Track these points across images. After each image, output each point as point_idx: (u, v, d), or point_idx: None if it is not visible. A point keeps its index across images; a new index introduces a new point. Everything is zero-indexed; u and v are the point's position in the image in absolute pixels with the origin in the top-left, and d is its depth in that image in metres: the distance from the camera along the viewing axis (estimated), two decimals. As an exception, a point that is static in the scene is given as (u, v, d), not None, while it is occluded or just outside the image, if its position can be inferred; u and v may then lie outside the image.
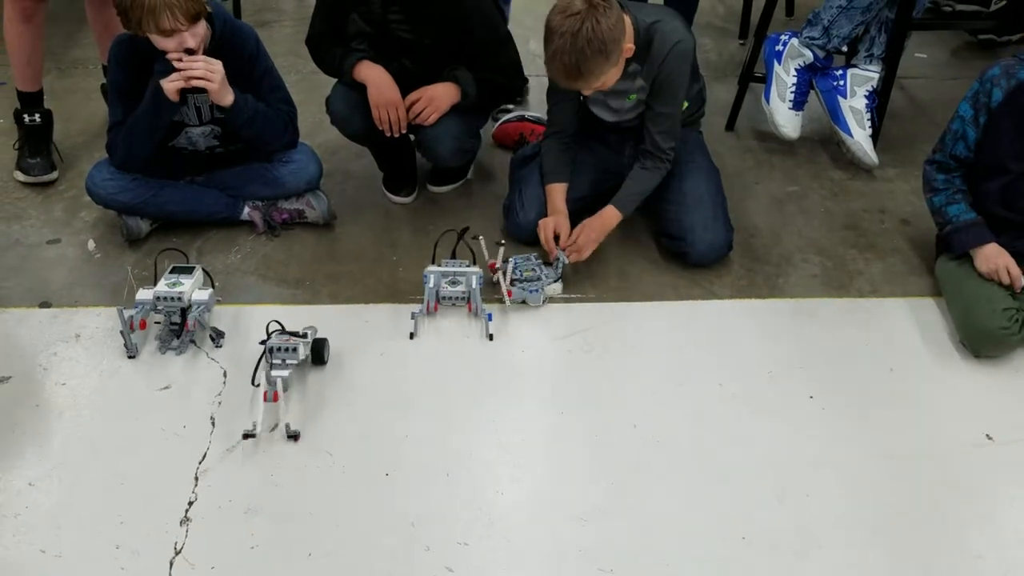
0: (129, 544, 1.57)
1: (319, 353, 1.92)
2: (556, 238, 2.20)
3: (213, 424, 1.81)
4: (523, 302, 2.13)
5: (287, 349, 1.83)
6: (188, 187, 2.33)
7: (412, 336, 2.04)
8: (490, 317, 2.06)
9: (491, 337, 2.04)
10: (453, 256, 2.16)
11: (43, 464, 1.72)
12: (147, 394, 1.88)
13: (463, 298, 2.09)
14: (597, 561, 1.57)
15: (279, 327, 1.87)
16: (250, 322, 2.07)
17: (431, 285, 2.07)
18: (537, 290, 2.12)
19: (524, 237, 2.32)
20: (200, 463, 1.73)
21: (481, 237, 2.20)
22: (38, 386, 1.89)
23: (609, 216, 2.21)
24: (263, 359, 1.85)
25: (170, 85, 2.04)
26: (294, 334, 1.86)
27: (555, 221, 2.21)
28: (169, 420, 1.81)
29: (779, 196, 2.61)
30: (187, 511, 1.63)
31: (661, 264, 2.30)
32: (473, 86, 2.23)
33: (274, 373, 1.79)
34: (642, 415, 1.86)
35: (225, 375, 1.93)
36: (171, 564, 1.54)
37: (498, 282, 2.11)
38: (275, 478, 1.70)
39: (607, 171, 2.35)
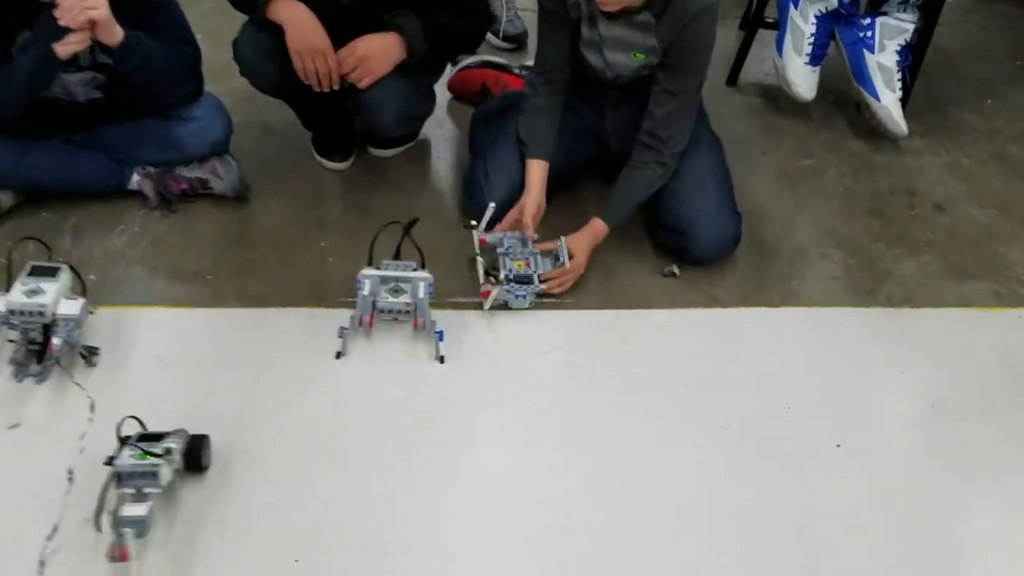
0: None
1: (195, 459, 1.37)
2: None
3: (71, 479, 1.38)
4: (504, 304, 1.70)
5: (144, 474, 1.28)
6: (62, 149, 1.83)
7: (339, 356, 1.61)
8: (440, 336, 1.63)
9: (442, 360, 1.62)
10: (397, 256, 1.70)
11: None
12: (-6, 434, 1.43)
13: (407, 312, 1.65)
14: None
15: (139, 426, 1.35)
16: (134, 331, 1.62)
17: (366, 293, 1.62)
18: (525, 295, 1.70)
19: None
20: (49, 540, 1.30)
21: (480, 258, 1.75)
22: None
23: (597, 231, 1.79)
24: (108, 488, 1.29)
25: (64, 50, 1.60)
26: (156, 439, 1.32)
27: (525, 206, 1.77)
28: (14, 474, 1.38)
29: (791, 171, 2.19)
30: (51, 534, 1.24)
31: (653, 261, 1.88)
32: (422, 40, 1.74)
33: (125, 512, 1.25)
34: (630, 467, 1.47)
35: (93, 408, 1.49)
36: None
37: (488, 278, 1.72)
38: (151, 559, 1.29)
39: (587, 134, 1.91)
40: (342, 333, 1.60)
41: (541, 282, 1.72)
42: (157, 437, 1.33)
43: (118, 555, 1.21)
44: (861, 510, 1.43)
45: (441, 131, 2.20)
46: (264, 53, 1.75)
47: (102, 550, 1.24)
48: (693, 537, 1.38)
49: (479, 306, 1.73)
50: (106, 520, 1.25)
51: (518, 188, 1.82)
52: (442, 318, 1.66)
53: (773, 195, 2.10)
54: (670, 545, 1.36)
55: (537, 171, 1.79)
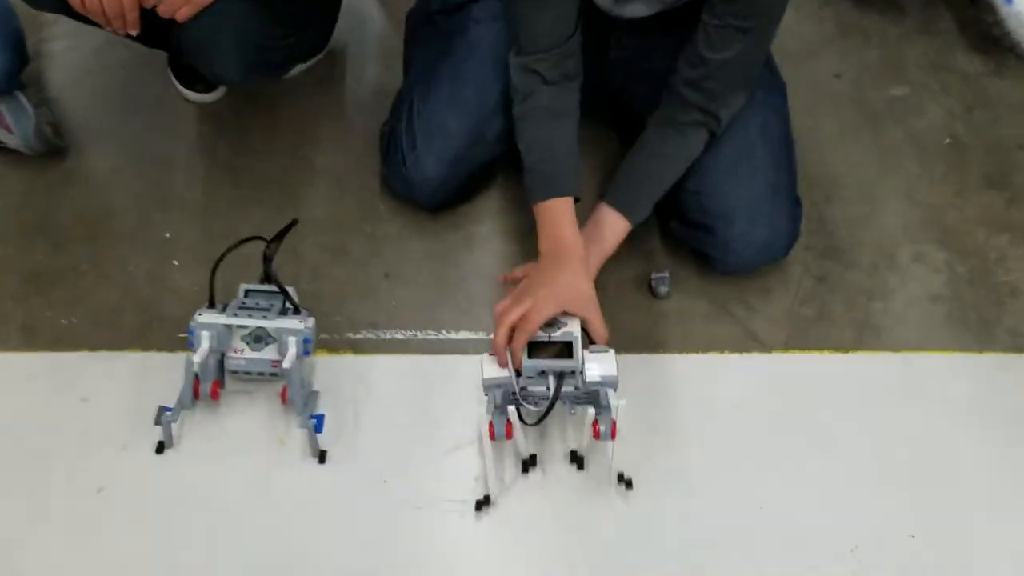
0: None
1: None
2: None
3: None
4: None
5: None
6: None
7: (161, 450, 1.04)
8: (319, 425, 1.05)
9: (322, 457, 1.05)
10: (265, 280, 1.09)
11: None
12: None
13: (272, 375, 1.06)
14: None
15: None
16: None
17: (203, 349, 1.02)
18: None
19: (416, 197, 1.24)
20: None
21: (485, 360, 1.03)
22: None
23: (607, 240, 1.13)
24: None
25: None
26: None
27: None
28: None
29: (875, 105, 1.50)
30: None
31: (662, 265, 1.25)
32: None
33: None
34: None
35: None
36: None
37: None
38: None
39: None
40: (162, 418, 1.02)
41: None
42: None
43: None
44: None
45: (366, 34, 1.51)
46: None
47: None
48: None
49: (390, 346, 1.15)
50: None
51: (461, 161, 1.18)
52: (329, 367, 1.08)
53: (848, 148, 1.43)
54: None
55: (563, 217, 1.08)
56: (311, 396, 1.07)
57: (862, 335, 1.21)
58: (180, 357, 1.06)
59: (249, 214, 1.25)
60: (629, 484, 1.03)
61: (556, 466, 1.06)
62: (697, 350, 1.18)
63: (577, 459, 1.05)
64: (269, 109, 1.38)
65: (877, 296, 1.25)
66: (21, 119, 1.22)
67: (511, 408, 0.99)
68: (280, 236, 1.08)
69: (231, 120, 1.36)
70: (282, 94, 1.39)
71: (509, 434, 0.99)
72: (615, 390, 0.98)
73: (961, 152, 1.44)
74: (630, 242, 1.16)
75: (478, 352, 1.14)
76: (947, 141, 1.45)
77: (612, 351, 1.00)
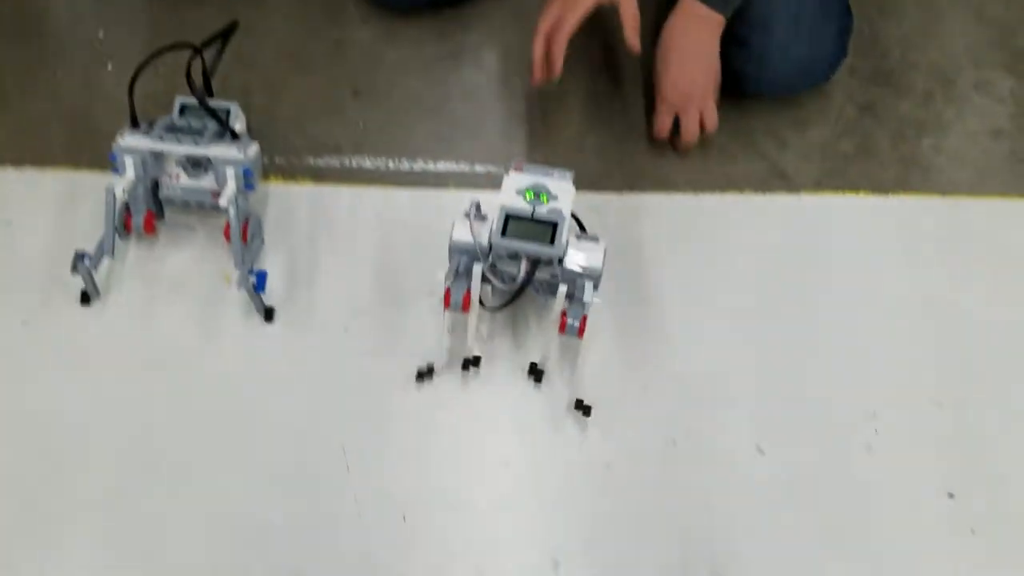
0: None
1: None
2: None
3: None
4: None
5: None
6: None
7: (86, 299, 0.91)
8: (262, 281, 0.91)
9: (268, 315, 0.92)
10: (206, 93, 0.92)
11: None
12: None
13: (214, 207, 0.91)
14: None
15: None
16: None
17: (128, 177, 0.87)
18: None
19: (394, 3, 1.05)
20: None
21: (458, 220, 0.85)
22: None
23: (701, 23, 0.95)
24: None
25: None
26: None
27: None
28: None
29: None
30: None
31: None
32: None
33: None
34: (563, 551, 0.84)
35: None
36: None
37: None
38: None
39: None
40: (81, 262, 0.88)
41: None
42: None
43: None
44: None
45: None
46: None
47: None
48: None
49: (358, 177, 1.00)
50: None
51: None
52: (289, 199, 0.94)
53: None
54: None
55: None
56: (256, 244, 0.93)
57: (908, 175, 1.04)
58: (106, 177, 0.91)
59: (197, 15, 1.07)
60: (587, 411, 0.88)
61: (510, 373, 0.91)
62: (714, 190, 1.02)
63: (536, 372, 0.90)
64: None
65: (929, 130, 1.07)
66: None
67: (476, 279, 0.84)
68: (214, 41, 0.90)
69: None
70: None
71: (466, 306, 0.85)
72: (596, 287, 0.84)
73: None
74: (642, 51, 0.97)
75: (459, 187, 1.00)
76: (1031, -54, 1.22)
77: (603, 243, 0.85)
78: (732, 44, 0.98)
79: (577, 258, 0.83)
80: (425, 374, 0.88)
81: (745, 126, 1.05)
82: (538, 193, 0.84)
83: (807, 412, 0.90)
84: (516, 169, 0.86)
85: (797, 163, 1.04)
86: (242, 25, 1.04)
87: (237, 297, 0.92)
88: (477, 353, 0.89)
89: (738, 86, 1.01)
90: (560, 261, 0.82)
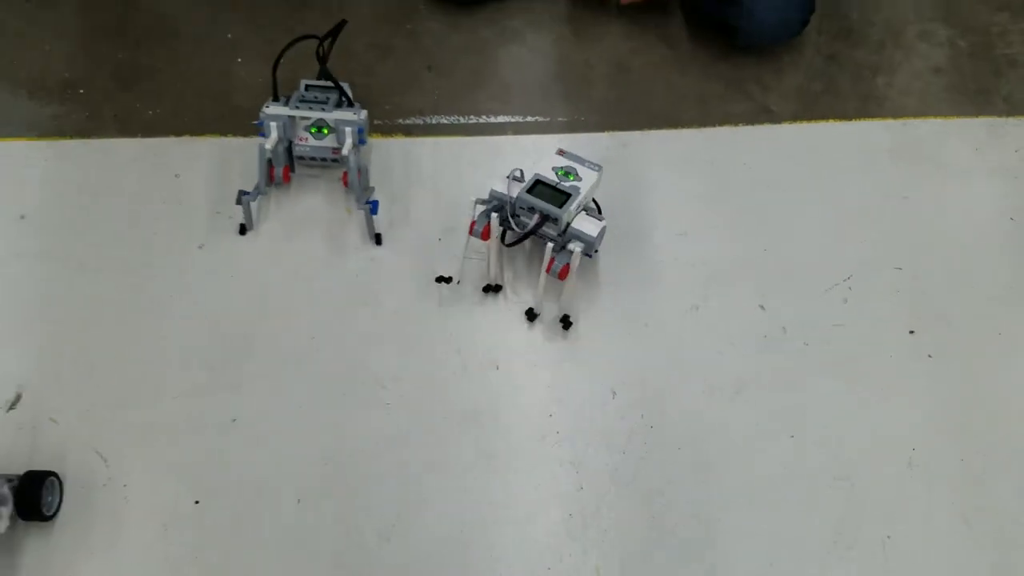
0: None
1: (33, 505, 0.99)
2: None
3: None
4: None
5: None
6: None
7: (243, 231, 1.20)
8: (375, 208, 1.20)
9: (378, 239, 1.20)
10: (322, 77, 1.22)
11: None
12: None
13: (334, 161, 1.21)
14: None
15: None
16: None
17: (271, 143, 1.17)
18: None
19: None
20: None
21: (500, 178, 1.12)
22: None
23: None
24: None
25: None
26: None
27: None
28: None
29: None
30: None
31: (684, 50, 1.36)
32: None
33: None
34: (625, 377, 1.11)
35: (-67, 293, 1.14)
36: None
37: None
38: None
39: None
40: (243, 199, 1.18)
41: None
42: None
43: None
44: (928, 431, 1.09)
45: None
46: None
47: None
48: (713, 459, 1.06)
49: (436, 130, 1.29)
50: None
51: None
52: (387, 150, 1.23)
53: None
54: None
55: None
56: (365, 191, 1.21)
57: (866, 106, 1.33)
58: (253, 141, 1.22)
59: (303, 17, 1.37)
60: (567, 324, 1.13)
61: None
62: (714, 125, 1.31)
63: (531, 315, 1.15)
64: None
65: (883, 71, 1.36)
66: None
67: (495, 220, 1.09)
68: (332, 34, 1.20)
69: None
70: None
71: (485, 236, 1.10)
72: (585, 251, 1.09)
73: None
74: (654, 28, 1.26)
75: (516, 133, 1.29)
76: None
77: (605, 223, 1.10)
78: (726, 3, 1.27)
79: (581, 224, 1.09)
80: (445, 280, 1.16)
81: (737, 76, 1.34)
82: (567, 172, 1.12)
83: (797, 278, 1.17)
84: (558, 153, 1.14)
85: (778, 102, 1.33)
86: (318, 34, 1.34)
87: (353, 228, 1.20)
88: (499, 282, 1.16)
89: (732, 38, 1.31)
90: (564, 224, 1.07)
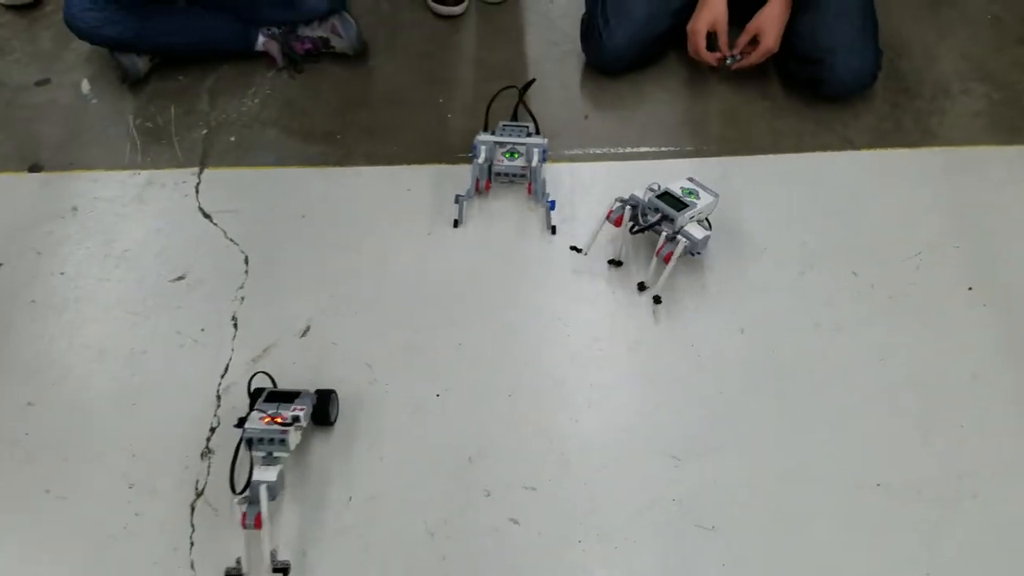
0: (145, 482, 1.35)
1: (324, 413, 1.36)
2: (711, 39, 1.75)
3: (235, 326, 1.52)
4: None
5: (272, 440, 1.26)
6: (186, 11, 1.88)
7: (456, 224, 1.65)
8: (553, 205, 1.64)
9: (553, 230, 1.64)
10: (514, 117, 1.71)
11: (42, 378, 1.47)
12: (158, 287, 1.58)
13: (523, 175, 1.67)
14: (695, 515, 1.29)
15: (270, 382, 1.39)
16: (276, 190, 1.71)
17: (480, 160, 1.65)
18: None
19: (610, 67, 1.84)
20: (222, 377, 1.46)
21: (638, 189, 1.53)
22: (32, 276, 1.61)
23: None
24: (239, 450, 1.30)
25: None
26: (287, 399, 1.32)
27: (711, 18, 1.71)
28: (185, 320, 1.53)
29: (933, -7, 2.02)
30: (209, 440, 1.39)
31: (780, 100, 1.81)
32: None
33: (256, 476, 1.23)
34: (752, 318, 1.49)
35: (247, 261, 1.61)
36: (192, 508, 1.32)
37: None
38: (309, 396, 1.43)
39: None
40: (459, 200, 1.64)
41: (730, 56, 1.76)
42: (287, 397, 1.32)
43: (251, 523, 1.20)
44: (997, 363, 1.42)
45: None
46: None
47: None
48: (821, 377, 1.41)
49: (593, 158, 1.75)
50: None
51: (640, 37, 1.78)
52: (559, 171, 1.69)
53: (913, 23, 1.96)
54: (792, 406, 1.41)
55: None
56: (546, 194, 1.66)
57: (924, 137, 1.74)
58: (460, 168, 1.70)
59: (493, 84, 1.87)
60: (658, 300, 1.50)
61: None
62: (809, 151, 1.73)
63: (641, 286, 1.53)
64: (492, 19, 2.02)
65: (935, 114, 1.78)
66: (347, 28, 1.89)
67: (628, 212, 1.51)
68: (525, 87, 1.70)
69: (469, 27, 2.01)
70: (502, 11, 2.03)
71: (618, 223, 1.51)
72: (689, 250, 1.45)
73: (999, 25, 1.95)
74: (756, 84, 1.73)
75: (655, 159, 1.74)
76: (989, 17, 1.96)
77: (710, 234, 1.47)
78: (811, 63, 1.72)
79: (691, 228, 1.48)
80: (578, 249, 1.57)
81: (822, 118, 1.77)
82: (691, 192, 1.53)
83: (880, 253, 1.55)
84: (688, 179, 1.56)
85: (856, 136, 1.75)
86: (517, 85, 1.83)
87: (534, 221, 1.64)
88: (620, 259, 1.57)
89: (818, 90, 1.75)
90: (678, 225, 1.45)
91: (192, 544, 1.29)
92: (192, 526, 1.30)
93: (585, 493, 1.31)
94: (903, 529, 1.26)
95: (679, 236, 1.48)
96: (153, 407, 1.43)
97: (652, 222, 1.49)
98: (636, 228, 1.51)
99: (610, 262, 1.58)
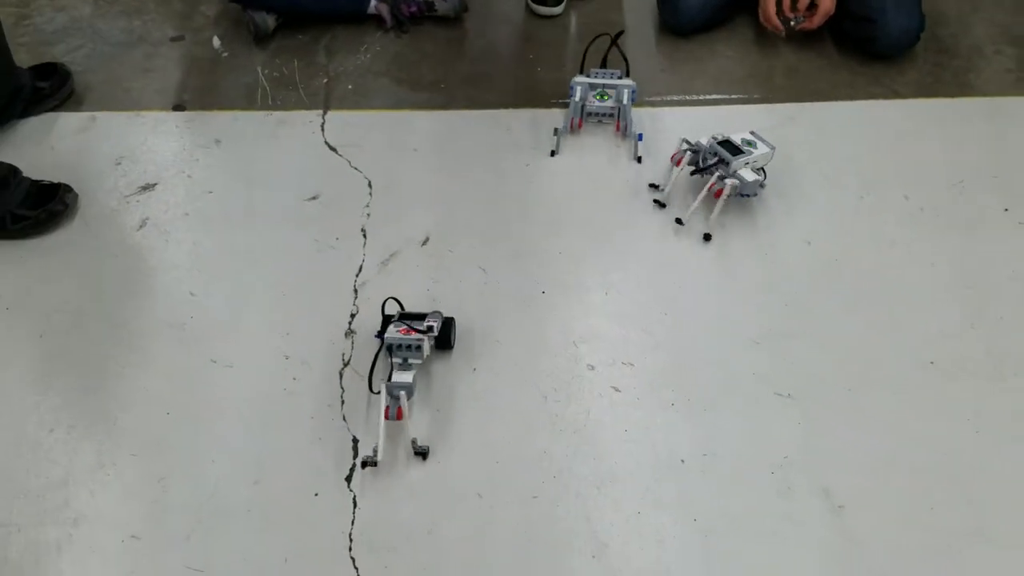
0: (298, 354, 1.58)
1: (446, 338, 1.54)
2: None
3: (365, 236, 1.76)
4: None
5: (410, 347, 1.49)
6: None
7: (553, 154, 1.89)
8: (640, 137, 1.88)
9: (639, 159, 1.87)
10: (603, 65, 1.96)
11: (200, 275, 1.71)
12: (296, 205, 1.82)
13: (611, 115, 1.91)
14: (773, 384, 1.50)
15: (397, 307, 1.58)
16: (390, 129, 1.96)
17: (576, 99, 1.89)
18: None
19: (683, 29, 2.09)
20: (357, 276, 1.69)
21: (707, 137, 1.76)
22: (185, 193, 1.86)
23: None
24: (379, 356, 1.51)
25: None
26: (416, 319, 1.53)
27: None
28: (321, 231, 1.77)
29: (969, -28, 2.26)
30: (350, 323, 1.62)
31: (835, 58, 2.05)
32: None
33: (395, 378, 1.45)
34: (816, 231, 1.72)
35: (370, 185, 1.85)
36: (341, 375, 1.55)
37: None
38: (432, 292, 1.66)
39: None
40: (556, 132, 1.89)
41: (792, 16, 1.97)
42: (417, 317, 1.53)
43: (394, 415, 1.40)
44: (1022, 261, 1.65)
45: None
46: None
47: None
48: (878, 279, 1.64)
49: (670, 103, 1.98)
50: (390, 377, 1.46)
51: (712, 2, 2.02)
52: (640, 115, 1.93)
53: (950, -2, 2.20)
54: (856, 301, 1.63)
55: None
56: (634, 127, 1.90)
57: (962, 90, 1.97)
58: (552, 112, 1.94)
59: (578, 44, 2.11)
60: (708, 237, 1.70)
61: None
62: (862, 99, 1.97)
63: (705, 236, 1.72)
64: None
65: (972, 70, 2.01)
66: (451, -8, 2.15)
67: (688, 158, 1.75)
68: (618, 35, 1.94)
69: (563, 19, 2.26)
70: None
71: (679, 164, 1.75)
72: (740, 191, 1.66)
73: (1030, -3, 2.19)
74: (813, 44, 1.96)
75: (726, 105, 1.97)
76: (1020, -9, 2.20)
77: (761, 179, 1.66)
78: (864, 21, 1.96)
79: (743, 172, 1.71)
80: (655, 186, 1.80)
81: (873, 73, 2.01)
82: (750, 143, 1.75)
83: (923, 179, 1.78)
84: (750, 132, 1.77)
85: (902, 88, 1.98)
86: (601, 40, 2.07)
87: (621, 153, 1.88)
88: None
89: (869, 47, 1.98)
90: (732, 169, 1.68)
91: (343, 402, 1.51)
92: (342, 387, 1.53)
93: (675, 369, 1.53)
94: (953, 399, 1.48)
95: (733, 175, 1.69)
96: (300, 297, 1.66)
97: (710, 163, 1.71)
98: (694, 170, 1.74)
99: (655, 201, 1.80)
